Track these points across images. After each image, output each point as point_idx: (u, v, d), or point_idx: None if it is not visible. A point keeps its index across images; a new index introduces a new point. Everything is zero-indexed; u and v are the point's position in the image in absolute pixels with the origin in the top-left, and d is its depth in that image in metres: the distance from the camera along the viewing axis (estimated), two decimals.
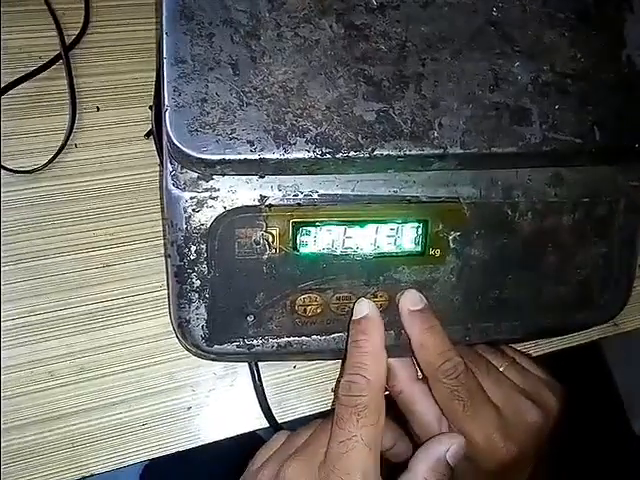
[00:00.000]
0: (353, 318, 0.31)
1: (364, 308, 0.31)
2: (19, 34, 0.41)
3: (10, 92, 0.39)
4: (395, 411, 0.35)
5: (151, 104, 0.41)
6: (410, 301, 0.32)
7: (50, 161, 0.38)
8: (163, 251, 0.38)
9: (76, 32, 0.42)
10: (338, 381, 0.36)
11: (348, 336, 0.31)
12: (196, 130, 0.27)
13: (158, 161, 0.40)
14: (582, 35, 0.32)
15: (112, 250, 0.37)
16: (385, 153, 0.28)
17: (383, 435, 0.28)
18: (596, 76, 0.31)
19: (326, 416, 0.34)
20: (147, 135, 0.40)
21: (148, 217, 0.38)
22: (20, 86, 0.40)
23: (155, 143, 0.40)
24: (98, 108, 0.41)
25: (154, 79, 0.41)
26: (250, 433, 0.36)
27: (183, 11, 0.28)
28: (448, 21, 0.31)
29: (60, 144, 0.39)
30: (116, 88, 0.41)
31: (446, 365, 0.30)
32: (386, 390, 0.38)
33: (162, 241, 0.38)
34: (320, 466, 0.27)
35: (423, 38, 0.30)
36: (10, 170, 0.37)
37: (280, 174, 0.29)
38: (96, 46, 0.42)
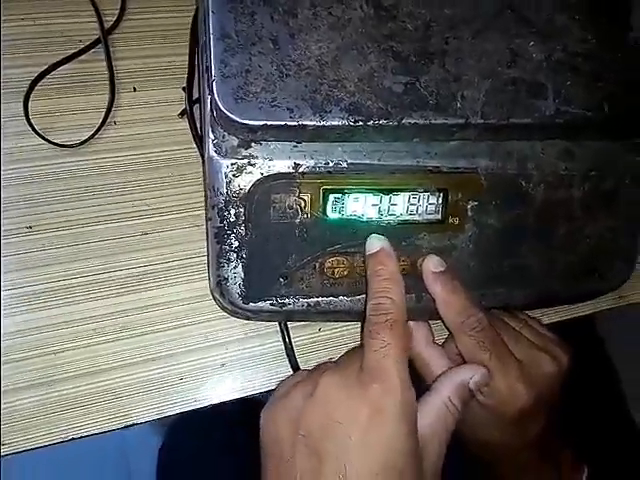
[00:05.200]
0: (368, 253, 0.33)
1: (377, 242, 0.33)
2: (61, 19, 0.44)
3: (53, 73, 0.42)
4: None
5: (184, 85, 0.44)
6: (433, 264, 0.34)
7: (91, 137, 0.41)
8: (196, 222, 0.40)
9: (114, 18, 0.45)
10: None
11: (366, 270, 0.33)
12: (241, 98, 0.29)
13: (191, 138, 0.42)
14: (592, 19, 0.34)
15: (150, 220, 0.40)
16: (412, 122, 0.30)
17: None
18: (605, 56, 0.34)
19: None
20: (181, 114, 0.43)
21: (182, 190, 0.41)
22: (62, 67, 0.42)
23: (189, 121, 0.42)
24: (135, 88, 0.43)
25: (187, 62, 0.44)
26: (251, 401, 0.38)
27: None
28: (469, 4, 0.33)
29: (100, 121, 0.41)
30: (151, 70, 0.44)
31: (471, 319, 0.32)
32: None
33: (195, 212, 0.41)
34: (357, 375, 0.29)
35: (446, 19, 0.33)
36: (55, 144, 0.40)
37: (315, 141, 0.32)
38: (133, 31, 0.45)
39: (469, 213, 0.36)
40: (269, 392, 0.38)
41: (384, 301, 0.31)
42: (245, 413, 0.51)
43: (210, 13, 0.31)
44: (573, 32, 0.34)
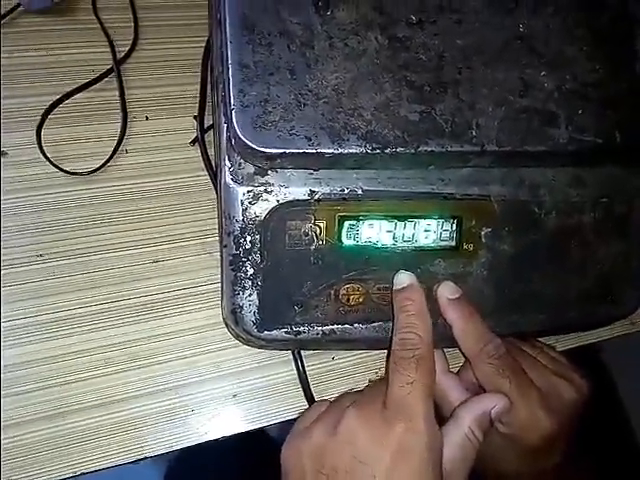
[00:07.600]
0: (395, 288, 0.33)
1: (405, 278, 0.33)
2: (74, 49, 0.44)
3: (66, 102, 0.42)
4: None
5: (196, 114, 0.44)
6: (448, 291, 0.34)
7: (103, 165, 0.41)
8: (207, 249, 0.40)
9: (126, 48, 0.45)
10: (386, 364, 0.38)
11: (393, 306, 0.33)
12: (260, 127, 0.29)
13: (202, 166, 0.42)
14: (599, 49, 0.35)
15: (161, 247, 0.40)
16: (429, 149, 0.31)
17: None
18: (614, 85, 0.35)
19: None
20: (192, 142, 0.43)
21: (193, 217, 0.41)
22: (75, 96, 0.43)
23: (200, 149, 0.43)
24: (147, 117, 0.44)
25: (198, 92, 0.44)
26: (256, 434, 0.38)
27: (245, 23, 0.31)
28: (480, 35, 0.34)
29: (112, 149, 0.41)
30: (163, 99, 0.44)
31: (489, 347, 0.32)
32: None
33: (206, 240, 0.40)
34: (381, 413, 0.29)
35: (458, 49, 0.33)
36: (67, 172, 0.40)
37: (331, 168, 0.32)
38: (145, 61, 0.45)
39: (483, 240, 0.36)
40: (282, 423, 0.37)
41: (411, 336, 0.31)
42: (255, 443, 0.50)
43: (228, 43, 0.31)
44: (582, 62, 0.34)
